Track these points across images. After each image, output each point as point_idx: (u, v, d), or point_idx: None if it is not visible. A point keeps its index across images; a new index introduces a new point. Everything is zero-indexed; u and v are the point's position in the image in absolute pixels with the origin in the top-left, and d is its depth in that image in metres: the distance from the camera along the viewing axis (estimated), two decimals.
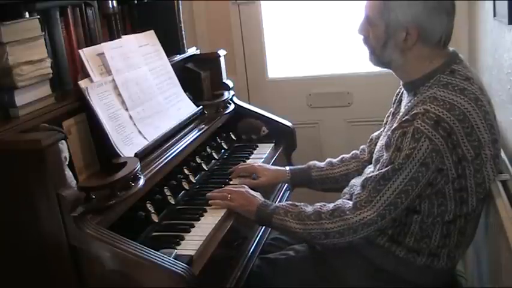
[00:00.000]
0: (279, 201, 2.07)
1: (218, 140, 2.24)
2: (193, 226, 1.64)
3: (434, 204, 1.56)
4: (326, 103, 3.10)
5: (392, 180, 1.52)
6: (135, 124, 1.81)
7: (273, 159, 2.22)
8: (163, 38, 2.15)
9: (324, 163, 2.04)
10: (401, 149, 1.50)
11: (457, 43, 2.19)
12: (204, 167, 2.03)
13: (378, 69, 1.72)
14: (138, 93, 1.89)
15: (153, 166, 1.71)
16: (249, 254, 1.82)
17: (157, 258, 1.33)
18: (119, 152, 1.66)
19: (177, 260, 1.37)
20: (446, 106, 1.49)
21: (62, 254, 1.35)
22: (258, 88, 3.17)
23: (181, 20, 2.36)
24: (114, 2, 1.99)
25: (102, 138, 1.66)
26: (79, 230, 1.33)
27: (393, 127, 1.56)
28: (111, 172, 1.51)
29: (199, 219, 1.68)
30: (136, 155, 1.66)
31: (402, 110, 1.65)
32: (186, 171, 1.91)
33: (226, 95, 2.39)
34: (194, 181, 1.92)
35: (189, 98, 2.19)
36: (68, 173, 1.44)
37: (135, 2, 2.21)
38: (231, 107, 2.37)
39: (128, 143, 1.72)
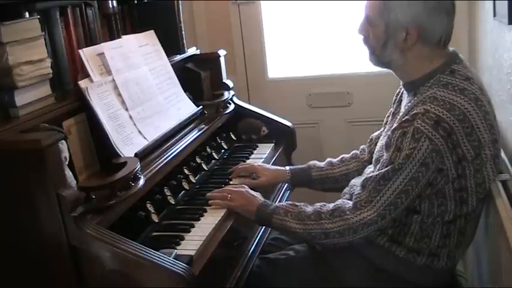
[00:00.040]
0: (279, 201, 2.07)
1: (218, 140, 2.24)
2: (193, 226, 1.64)
3: (434, 204, 1.56)
4: (326, 103, 3.10)
5: (392, 180, 1.52)
6: (135, 124, 1.81)
7: (273, 159, 2.22)
8: (163, 38, 2.15)
9: (324, 163, 2.04)
10: (402, 149, 1.50)
11: (457, 43, 2.19)
12: (204, 167, 2.03)
13: (377, 69, 1.72)
14: (138, 93, 1.89)
15: (153, 166, 1.71)
16: (249, 254, 1.82)
17: (157, 258, 1.33)
18: (119, 152, 1.66)
19: (177, 260, 1.37)
20: (446, 106, 1.49)
21: (62, 254, 1.35)
22: (258, 88, 3.17)
23: (181, 20, 2.36)
24: (114, 2, 1.99)
25: (102, 138, 1.66)
26: (79, 230, 1.33)
27: (393, 127, 1.56)
28: (111, 172, 1.51)
29: (199, 219, 1.68)
30: (136, 155, 1.66)
31: (402, 110, 1.65)
32: (186, 171, 1.91)
33: (226, 95, 2.39)
34: (194, 181, 1.92)
35: (189, 98, 2.19)
36: (68, 173, 1.44)
37: (135, 2, 2.21)
38: (231, 107, 2.37)
39: (128, 143, 1.72)
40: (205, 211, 1.73)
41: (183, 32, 2.38)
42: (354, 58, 2.95)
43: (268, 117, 2.44)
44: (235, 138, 2.36)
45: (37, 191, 1.33)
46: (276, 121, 2.44)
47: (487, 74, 2.25)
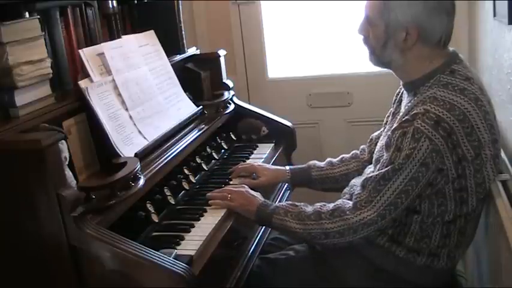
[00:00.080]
0: (279, 201, 2.08)
1: (218, 140, 2.24)
2: (193, 226, 1.64)
3: (434, 204, 1.56)
4: (326, 103, 3.10)
5: (392, 180, 1.52)
6: (135, 124, 1.81)
7: (273, 159, 2.22)
8: (163, 38, 2.15)
9: (324, 163, 2.04)
10: (402, 149, 1.50)
11: (457, 43, 2.19)
12: (204, 167, 2.03)
13: (378, 69, 1.72)
14: (138, 93, 1.89)
15: (153, 166, 1.71)
16: (249, 254, 1.82)
17: (157, 258, 1.33)
18: (119, 152, 1.66)
19: (177, 260, 1.37)
20: (446, 106, 1.49)
21: (62, 254, 1.35)
22: (258, 88, 3.17)
23: (181, 20, 2.36)
24: (114, 2, 1.99)
25: (102, 138, 1.66)
26: (79, 230, 1.33)
27: (393, 127, 1.56)
28: (111, 172, 1.51)
29: (199, 219, 1.68)
30: (136, 155, 1.66)
31: (402, 110, 1.65)
32: (186, 171, 1.91)
33: (226, 95, 2.39)
34: (194, 181, 1.92)
35: (189, 98, 2.19)
36: (68, 173, 1.44)
37: (135, 2, 2.21)
38: (231, 107, 2.37)
39: (128, 143, 1.72)
40: (205, 211, 1.73)
41: (183, 32, 2.38)
42: (354, 58, 2.95)
43: (268, 117, 2.44)
44: (235, 138, 2.36)
45: (37, 191, 1.33)
46: (276, 121, 2.44)
47: (487, 74, 2.25)
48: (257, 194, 1.79)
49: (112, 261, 1.33)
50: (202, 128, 2.10)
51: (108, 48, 1.82)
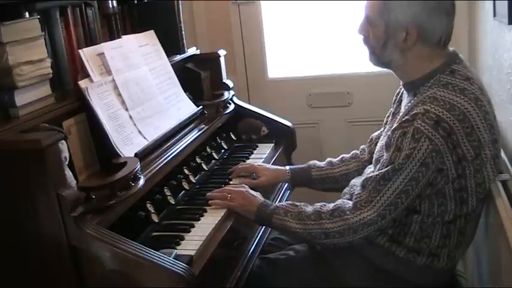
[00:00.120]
0: (279, 201, 2.08)
1: (218, 140, 2.24)
2: (193, 226, 1.64)
3: (435, 204, 1.56)
4: (326, 103, 3.10)
5: (392, 180, 1.52)
6: (135, 124, 1.81)
7: (273, 159, 2.22)
8: (163, 38, 2.15)
9: (324, 163, 2.04)
10: (402, 149, 1.50)
11: (457, 43, 2.19)
12: (204, 167, 2.03)
13: (378, 69, 1.72)
14: (138, 93, 1.89)
15: (153, 166, 1.71)
16: (249, 254, 1.82)
17: (157, 258, 1.33)
18: (119, 152, 1.66)
19: (177, 260, 1.37)
20: (446, 106, 1.49)
21: (62, 254, 1.35)
22: (258, 88, 3.17)
23: (181, 20, 2.36)
24: (114, 2, 1.99)
25: (102, 138, 1.66)
26: (79, 230, 1.33)
27: (393, 127, 1.56)
28: (111, 172, 1.51)
29: (199, 219, 1.68)
30: (136, 155, 1.66)
31: (402, 110, 1.65)
32: (186, 171, 1.91)
33: (226, 95, 2.39)
34: (194, 181, 1.92)
35: (189, 98, 2.19)
36: (68, 173, 1.44)
37: (135, 2, 2.21)
38: (231, 107, 2.37)
39: (128, 143, 1.72)
40: (205, 211, 1.73)
41: (183, 32, 2.38)
42: (354, 58, 2.95)
43: (268, 117, 2.44)
44: (235, 138, 2.36)
45: (37, 191, 1.33)
46: (276, 121, 2.44)
47: (487, 74, 2.25)
48: (257, 194, 1.79)
49: (112, 261, 1.33)
50: (202, 128, 2.10)
51: (108, 48, 1.82)
